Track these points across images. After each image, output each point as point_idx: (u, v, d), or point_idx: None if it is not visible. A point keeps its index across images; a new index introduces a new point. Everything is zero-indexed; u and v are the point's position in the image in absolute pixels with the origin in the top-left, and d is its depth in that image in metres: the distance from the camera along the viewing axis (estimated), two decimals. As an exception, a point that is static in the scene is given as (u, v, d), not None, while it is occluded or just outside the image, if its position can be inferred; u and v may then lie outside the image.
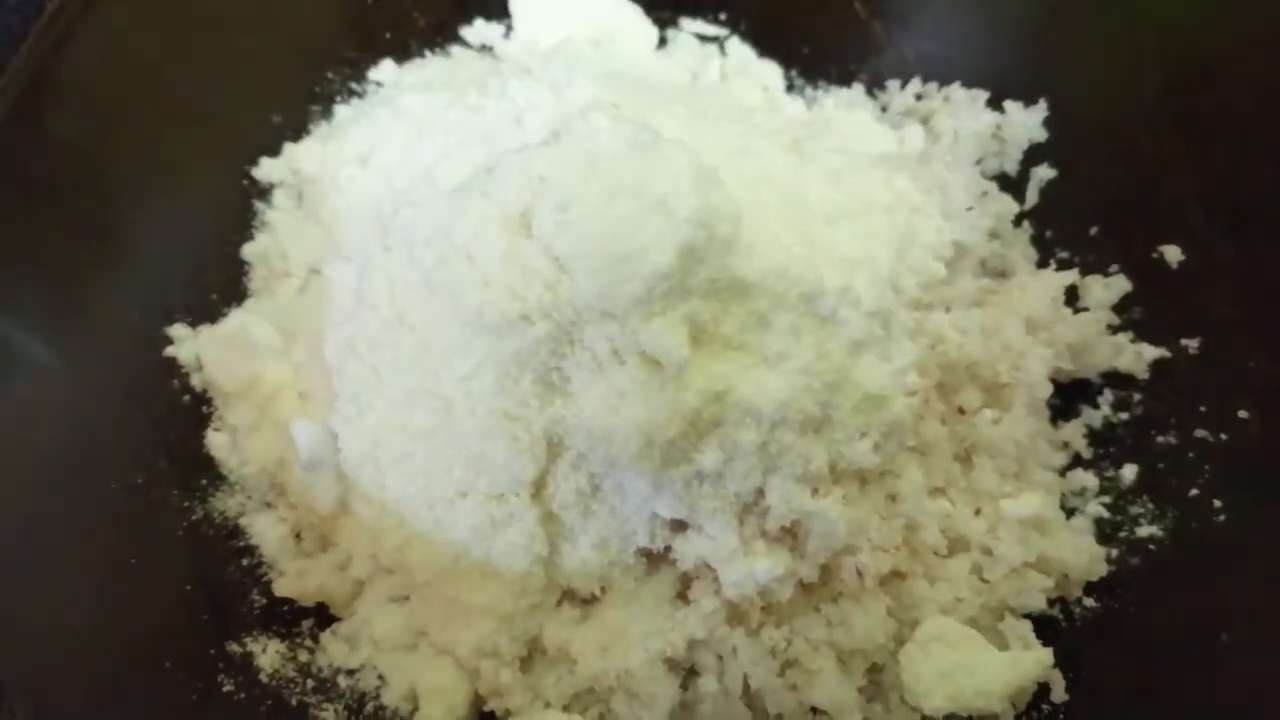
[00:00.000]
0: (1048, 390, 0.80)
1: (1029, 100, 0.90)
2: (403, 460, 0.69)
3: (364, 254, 0.73)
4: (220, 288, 0.84)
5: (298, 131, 0.89)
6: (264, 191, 0.87)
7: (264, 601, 0.74)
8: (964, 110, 0.91)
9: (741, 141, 0.75)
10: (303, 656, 0.73)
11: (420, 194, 0.71)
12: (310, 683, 0.72)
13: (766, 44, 0.97)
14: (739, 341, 0.67)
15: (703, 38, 0.97)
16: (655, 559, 0.72)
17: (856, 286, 0.71)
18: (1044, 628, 0.75)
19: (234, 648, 0.71)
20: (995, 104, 0.92)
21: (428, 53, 0.94)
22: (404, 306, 0.69)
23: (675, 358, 0.63)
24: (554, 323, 0.64)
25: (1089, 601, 0.76)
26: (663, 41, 0.97)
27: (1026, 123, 0.89)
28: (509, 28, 0.95)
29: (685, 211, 0.62)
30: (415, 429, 0.68)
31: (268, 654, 0.72)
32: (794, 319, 0.68)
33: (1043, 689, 0.73)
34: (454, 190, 0.69)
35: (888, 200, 0.80)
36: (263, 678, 0.71)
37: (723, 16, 0.97)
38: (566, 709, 0.71)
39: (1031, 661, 0.71)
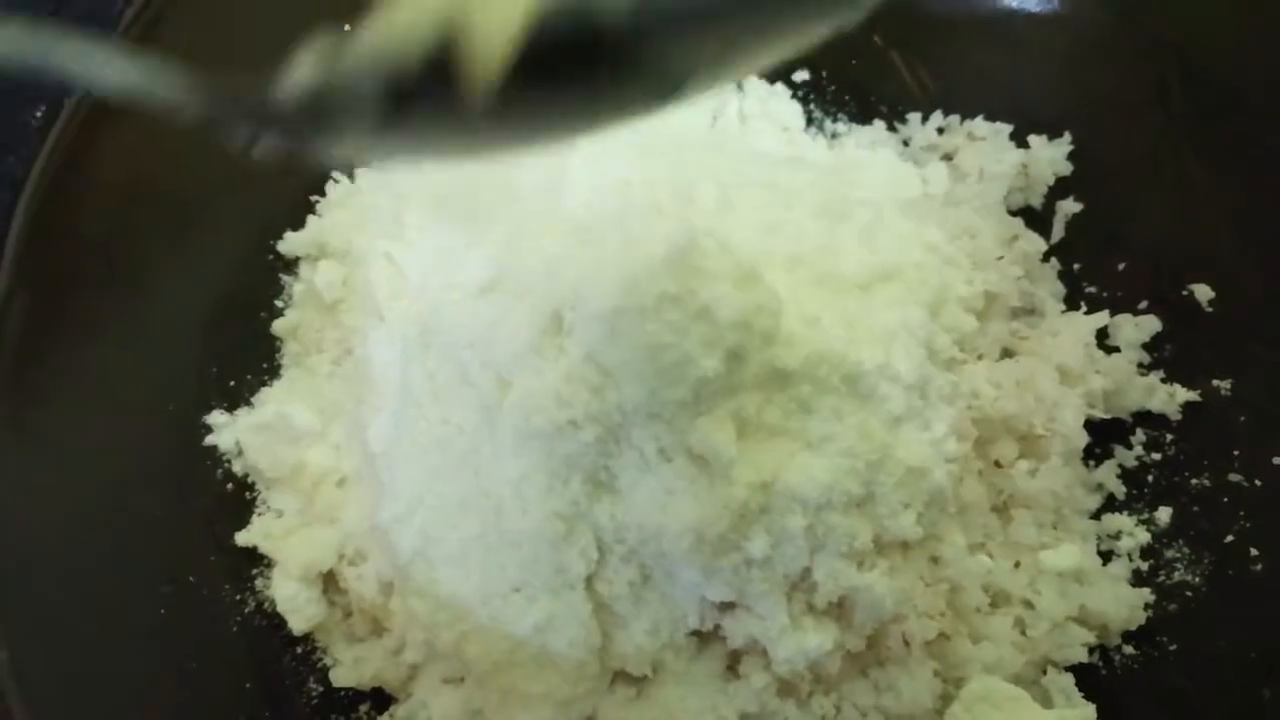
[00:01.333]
0: (1084, 440, 0.81)
1: (1053, 133, 0.90)
2: (456, 558, 0.69)
3: (403, 346, 0.73)
4: (252, 366, 0.84)
5: (316, 201, 0.88)
6: (289, 265, 0.86)
7: (320, 689, 0.76)
8: (989, 147, 0.90)
9: (775, 215, 0.75)
10: (364, 743, 0.75)
11: (457, 287, 0.70)
12: (373, 769, 0.74)
13: (785, 78, 0.96)
14: (783, 428, 0.67)
15: (720, 77, 0.96)
16: (705, 637, 0.73)
17: (894, 360, 0.71)
18: (1084, 677, 0.77)
19: (297, 742, 0.72)
20: (1018, 136, 0.91)
21: (445, 106, 0.93)
22: (449, 407, 0.69)
23: (724, 456, 0.64)
24: (601, 426, 0.64)
25: (1128, 649, 0.78)
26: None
27: (1052, 157, 0.89)
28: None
29: (729, 316, 0.62)
30: (467, 529, 0.69)
31: (330, 745, 0.73)
32: (835, 401, 0.69)
33: (1087, 741, 0.75)
34: (488, 288, 0.69)
35: (919, 255, 0.79)
36: (327, 769, 0.72)
37: (739, 53, 0.96)
38: (625, 783, 0.73)
39: (1077, 719, 0.73)
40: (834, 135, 0.95)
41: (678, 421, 0.64)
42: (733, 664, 0.74)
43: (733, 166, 0.81)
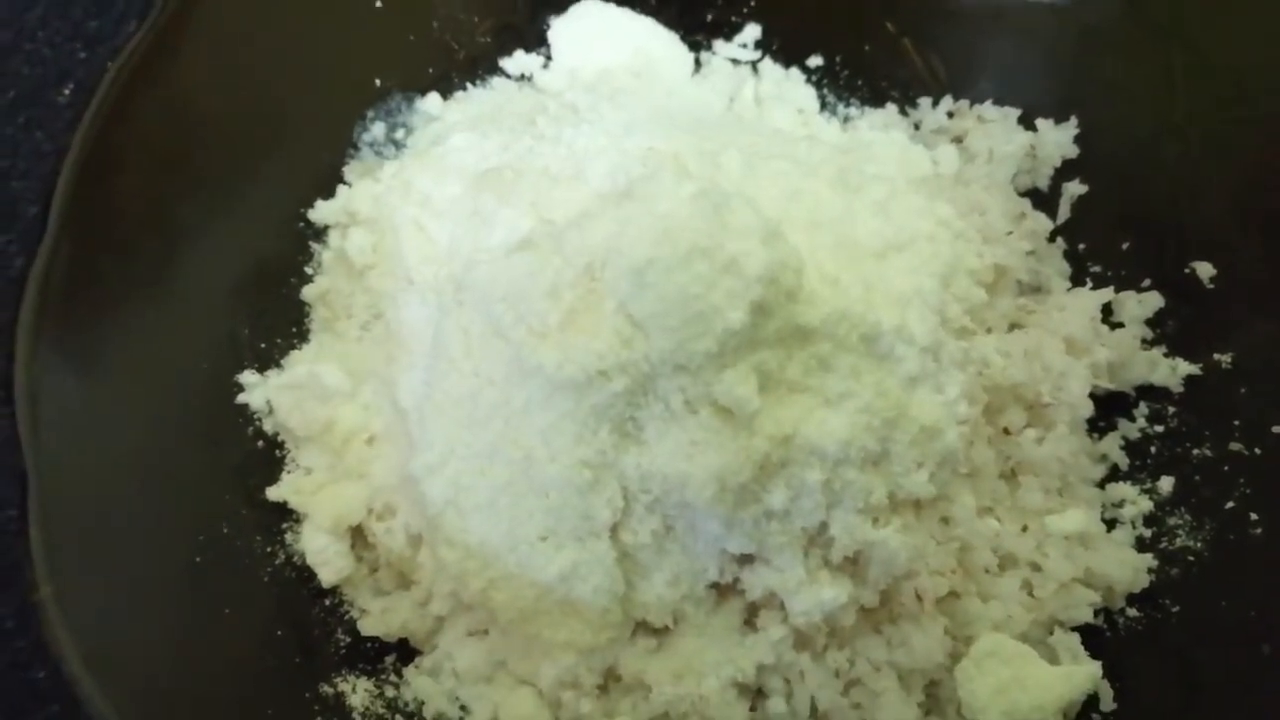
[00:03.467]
0: (1089, 409, 0.83)
1: (1060, 117, 0.93)
2: (485, 507, 0.72)
3: (436, 304, 0.76)
4: (282, 330, 0.86)
5: (345, 172, 0.91)
6: (319, 233, 0.89)
7: (348, 640, 0.78)
8: (997, 129, 0.93)
9: (795, 183, 0.77)
10: (389, 692, 0.77)
11: (489, 249, 0.73)
12: (399, 717, 0.76)
13: (799, 63, 0.99)
14: (803, 384, 0.70)
15: (736, 61, 0.99)
16: (724, 590, 0.75)
17: (910, 323, 0.74)
18: (1090, 638, 0.79)
19: (326, 689, 0.74)
20: (1026, 120, 0.94)
21: (469, 85, 0.96)
22: (480, 360, 0.72)
23: (747, 408, 0.66)
24: (630, 377, 0.66)
25: (1132, 612, 0.80)
26: (697, 64, 0.99)
27: (1059, 140, 0.91)
28: (548, 58, 0.97)
29: (755, 270, 0.64)
30: (497, 478, 0.71)
31: (358, 693, 0.75)
32: (854, 360, 0.71)
33: (1091, 699, 0.76)
34: (522, 245, 0.71)
35: (931, 228, 0.82)
36: (356, 716, 0.74)
37: (755, 39, 0.99)
38: (643, 734, 0.75)
39: (1083, 675, 0.75)
40: (846, 119, 0.98)
41: (703, 373, 0.66)
42: (750, 617, 0.76)
43: (751, 140, 0.84)
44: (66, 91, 1.12)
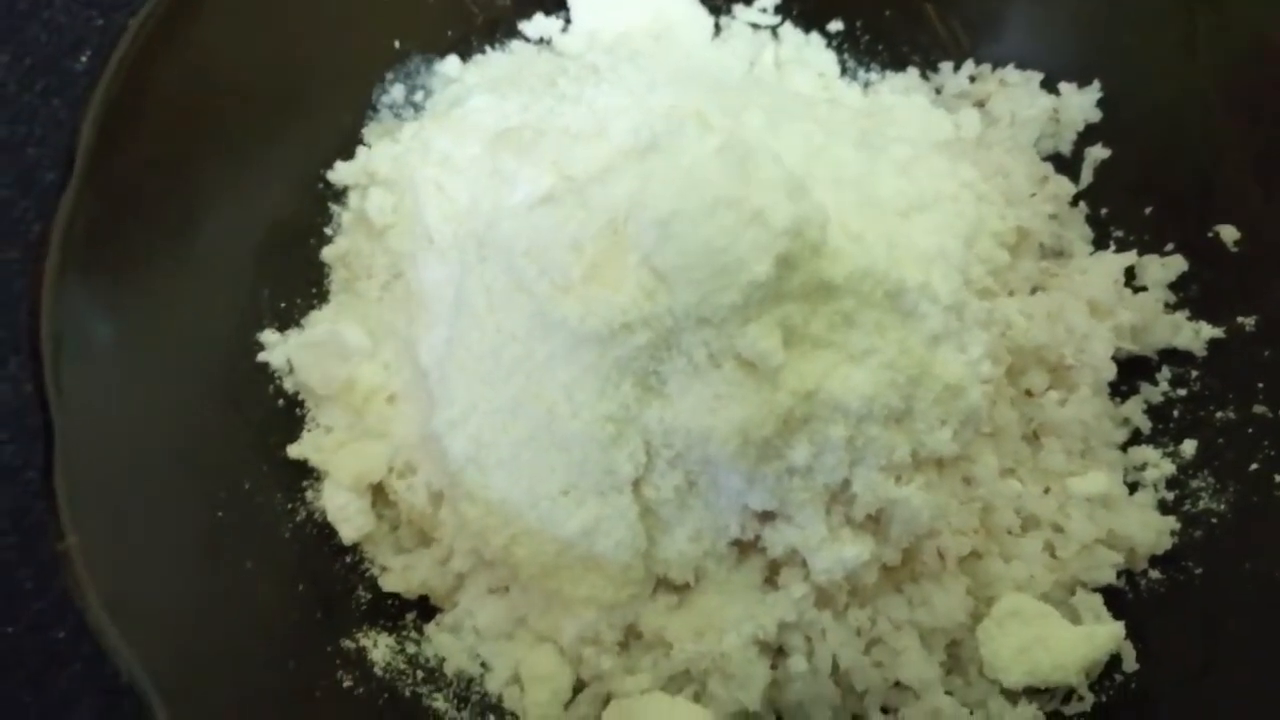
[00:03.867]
0: (1112, 371, 0.83)
1: (1083, 81, 0.92)
2: (507, 462, 0.71)
3: (457, 262, 0.76)
4: (302, 290, 0.86)
5: (364, 134, 0.91)
6: (338, 194, 0.89)
7: (369, 597, 0.78)
8: (1020, 94, 0.92)
9: (819, 141, 0.77)
10: (410, 648, 0.77)
11: (512, 204, 0.73)
12: (420, 673, 0.76)
13: (819, 28, 0.99)
14: (827, 340, 0.70)
15: (756, 26, 0.98)
16: (746, 548, 0.75)
17: (934, 281, 0.74)
18: (1112, 599, 0.79)
19: (348, 644, 0.74)
20: (1048, 84, 0.93)
21: (488, 48, 0.96)
22: (503, 315, 0.71)
23: (771, 361, 0.66)
24: (653, 330, 0.66)
25: (1154, 574, 0.80)
26: (716, 28, 0.99)
27: (1081, 104, 0.91)
28: (567, 21, 0.96)
29: (781, 222, 0.64)
30: (519, 433, 0.71)
31: (379, 648, 0.75)
32: (878, 316, 0.71)
33: (1114, 659, 0.76)
34: (545, 200, 0.71)
35: (954, 189, 0.82)
36: (377, 671, 0.74)
37: (775, 3, 0.99)
38: (664, 690, 0.75)
39: (1105, 635, 0.75)
40: (867, 84, 0.98)
41: (727, 327, 0.66)
42: (771, 575, 0.76)
43: (773, 101, 0.84)
44: (83, 59, 1.12)
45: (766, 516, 0.73)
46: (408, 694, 0.74)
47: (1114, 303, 0.84)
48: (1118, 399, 0.86)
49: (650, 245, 0.64)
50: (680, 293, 0.65)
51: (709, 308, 0.65)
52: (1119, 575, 0.80)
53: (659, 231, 0.64)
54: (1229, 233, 0.84)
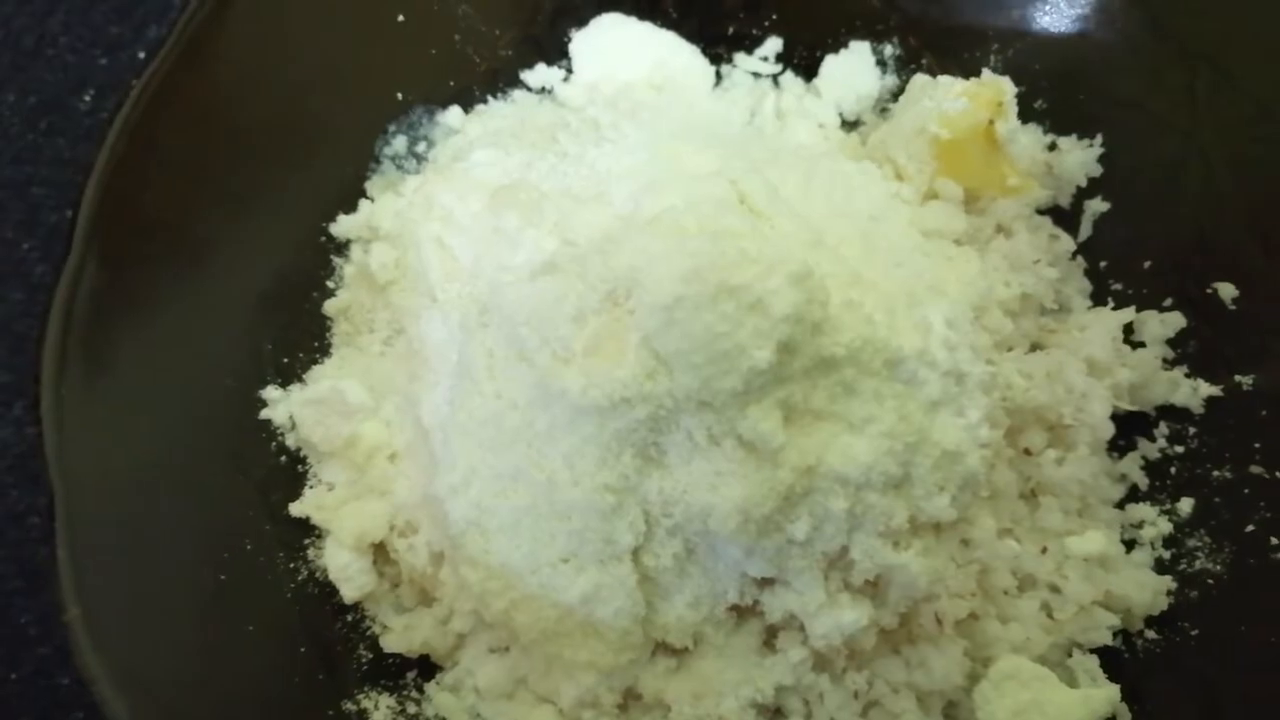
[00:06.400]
0: (1110, 431, 0.83)
1: (1083, 134, 0.92)
2: (508, 528, 0.72)
3: (459, 323, 0.76)
4: (304, 344, 0.86)
5: (367, 186, 0.91)
6: (340, 246, 0.89)
7: (370, 656, 0.78)
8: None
9: (821, 200, 0.77)
10: (411, 708, 0.77)
11: (512, 269, 0.73)
12: (420, 733, 0.76)
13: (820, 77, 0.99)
14: (828, 411, 0.70)
15: (757, 75, 0.99)
16: (744, 612, 0.76)
17: (931, 348, 0.74)
18: (1108, 660, 0.79)
19: (349, 706, 0.75)
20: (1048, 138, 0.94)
21: (490, 98, 0.96)
22: (504, 383, 0.72)
23: (772, 443, 0.66)
24: (653, 406, 0.66)
25: (1150, 634, 0.80)
26: (718, 77, 0.99)
27: (1082, 159, 0.91)
28: (569, 71, 0.97)
29: (782, 310, 0.64)
30: (519, 499, 0.71)
31: (380, 710, 0.76)
32: (876, 384, 0.71)
33: (1109, 720, 0.77)
34: (546, 269, 0.71)
35: (957, 251, 0.82)
36: (378, 733, 0.75)
37: (776, 52, 0.99)
38: (662, 752, 0.76)
39: (1101, 698, 0.75)
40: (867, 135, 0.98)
41: (728, 410, 0.66)
42: (770, 638, 0.76)
43: (776, 157, 0.84)
44: (87, 98, 1.12)
45: (765, 582, 0.74)
46: (408, 755, 0.75)
47: (1113, 361, 0.84)
48: (1115, 454, 0.86)
49: (652, 328, 0.65)
50: (681, 376, 0.65)
51: (709, 392, 0.65)
52: (1115, 636, 0.80)
53: (662, 317, 0.64)
54: (1227, 290, 0.85)
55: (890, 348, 0.71)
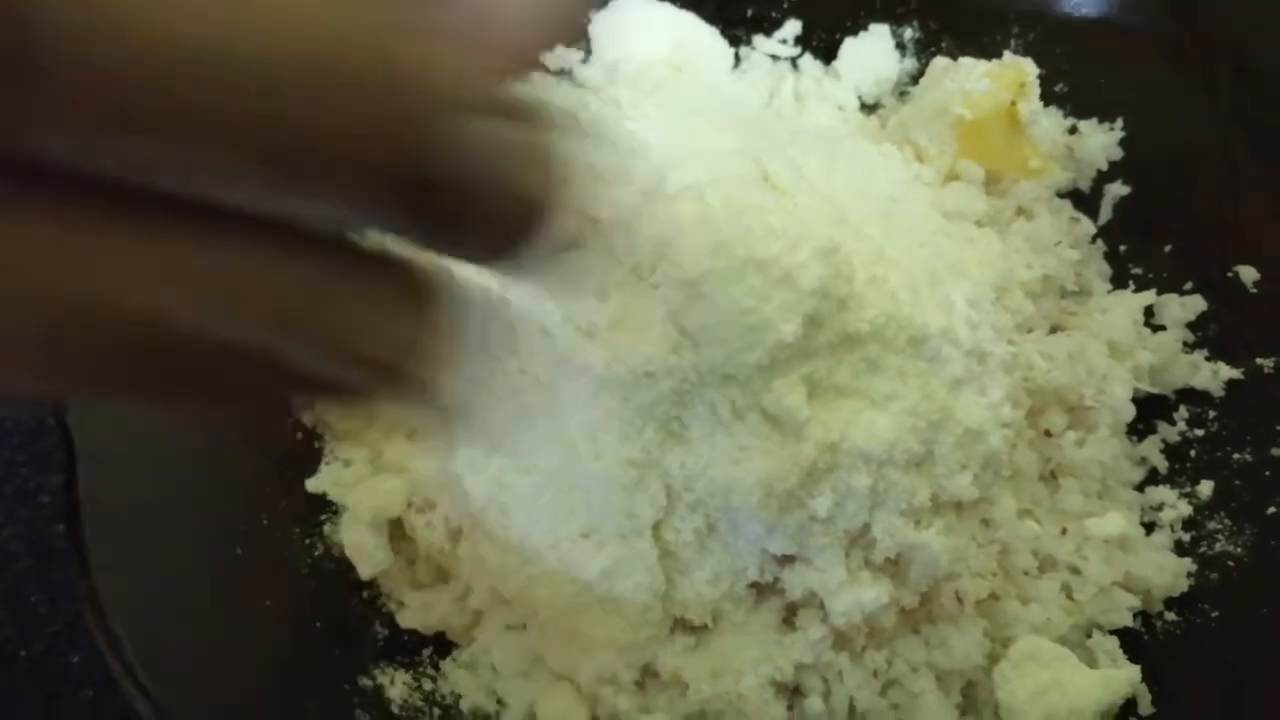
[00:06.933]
0: (1130, 413, 0.83)
1: (1104, 118, 0.92)
2: (528, 503, 0.72)
3: (480, 299, 0.75)
4: (321, 321, 0.86)
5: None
6: (359, 225, 0.89)
7: (386, 633, 0.78)
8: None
9: (844, 180, 0.77)
10: (426, 685, 0.77)
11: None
12: (436, 710, 0.76)
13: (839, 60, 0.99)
14: (851, 388, 0.69)
15: (775, 57, 0.98)
16: (764, 590, 0.75)
17: (956, 326, 0.74)
18: (1127, 641, 0.79)
19: (365, 682, 0.74)
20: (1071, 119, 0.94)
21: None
22: (527, 357, 0.71)
23: (797, 417, 0.66)
24: (677, 379, 0.66)
25: (1170, 616, 0.80)
26: (736, 59, 0.99)
27: (1103, 143, 0.91)
28: (588, 51, 0.96)
29: (809, 284, 0.64)
30: (540, 475, 0.71)
31: (396, 685, 0.75)
32: (900, 361, 0.71)
33: (1129, 703, 0.76)
34: (569, 244, 0.71)
35: (978, 232, 0.82)
36: (394, 709, 0.74)
37: (795, 34, 0.99)
38: (681, 729, 0.75)
39: (1121, 679, 0.75)
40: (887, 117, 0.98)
41: (752, 384, 0.66)
42: (789, 616, 0.76)
43: (796, 137, 0.84)
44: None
45: (785, 559, 0.73)
46: (424, 731, 0.75)
47: (1134, 343, 0.84)
48: (1134, 437, 0.86)
49: (678, 304, 0.64)
50: (706, 351, 0.64)
51: (734, 366, 0.65)
52: (1135, 617, 0.80)
53: (687, 292, 0.64)
54: (1248, 273, 0.85)
55: (915, 325, 0.71)
